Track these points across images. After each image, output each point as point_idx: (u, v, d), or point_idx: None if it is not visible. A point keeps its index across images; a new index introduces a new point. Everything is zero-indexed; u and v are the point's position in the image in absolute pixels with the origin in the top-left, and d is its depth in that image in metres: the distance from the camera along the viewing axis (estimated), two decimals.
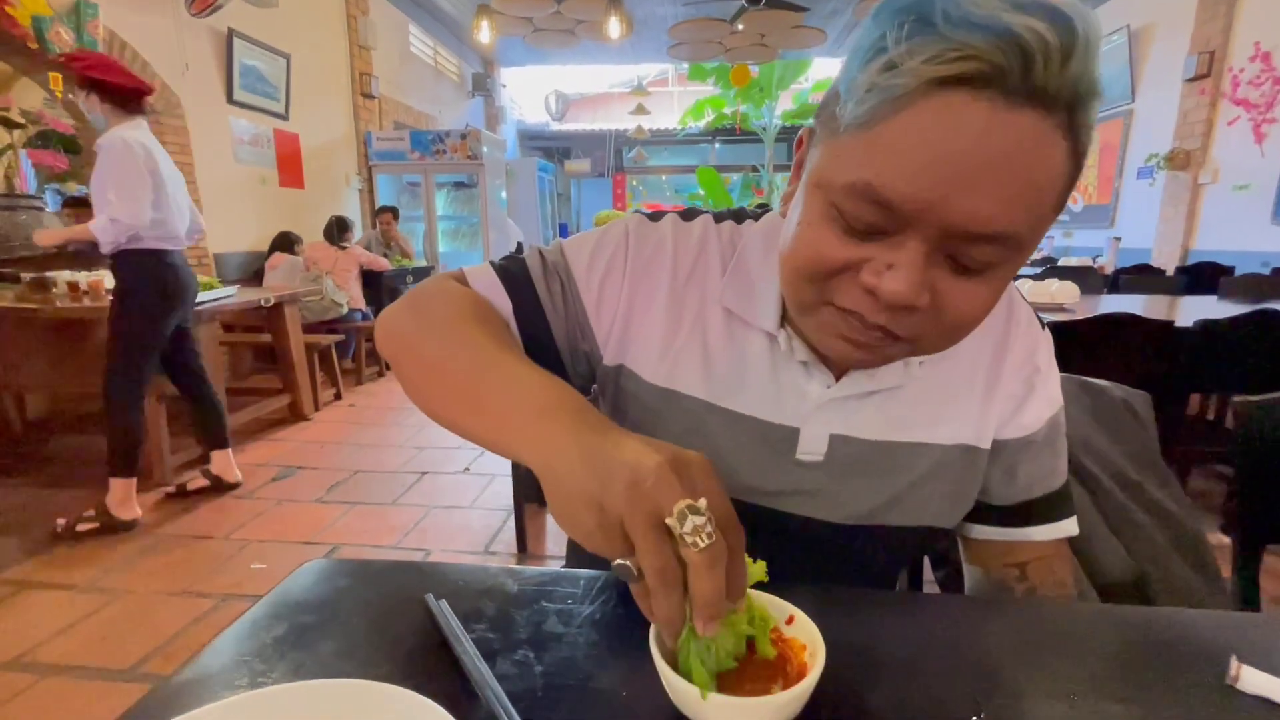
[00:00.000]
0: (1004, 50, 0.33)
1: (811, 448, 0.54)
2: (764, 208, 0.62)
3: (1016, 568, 0.57)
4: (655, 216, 0.59)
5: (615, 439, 0.36)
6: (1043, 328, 0.58)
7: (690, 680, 0.33)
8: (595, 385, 0.61)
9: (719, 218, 0.60)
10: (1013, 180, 0.36)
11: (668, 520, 0.32)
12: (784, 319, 0.53)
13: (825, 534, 0.55)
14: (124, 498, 2.17)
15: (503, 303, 0.55)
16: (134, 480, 2.21)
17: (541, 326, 0.55)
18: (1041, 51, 0.33)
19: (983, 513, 0.58)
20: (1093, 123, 0.37)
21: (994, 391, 0.55)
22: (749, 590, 0.40)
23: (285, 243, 4.20)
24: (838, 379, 0.53)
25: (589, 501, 0.33)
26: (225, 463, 2.50)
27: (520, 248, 6.96)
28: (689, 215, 0.60)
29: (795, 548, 0.55)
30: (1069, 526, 0.57)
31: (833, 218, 0.40)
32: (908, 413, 0.54)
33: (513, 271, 0.56)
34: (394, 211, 5.18)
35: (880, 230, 0.39)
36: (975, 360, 0.55)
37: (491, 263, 0.58)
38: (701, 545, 0.31)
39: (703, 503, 0.32)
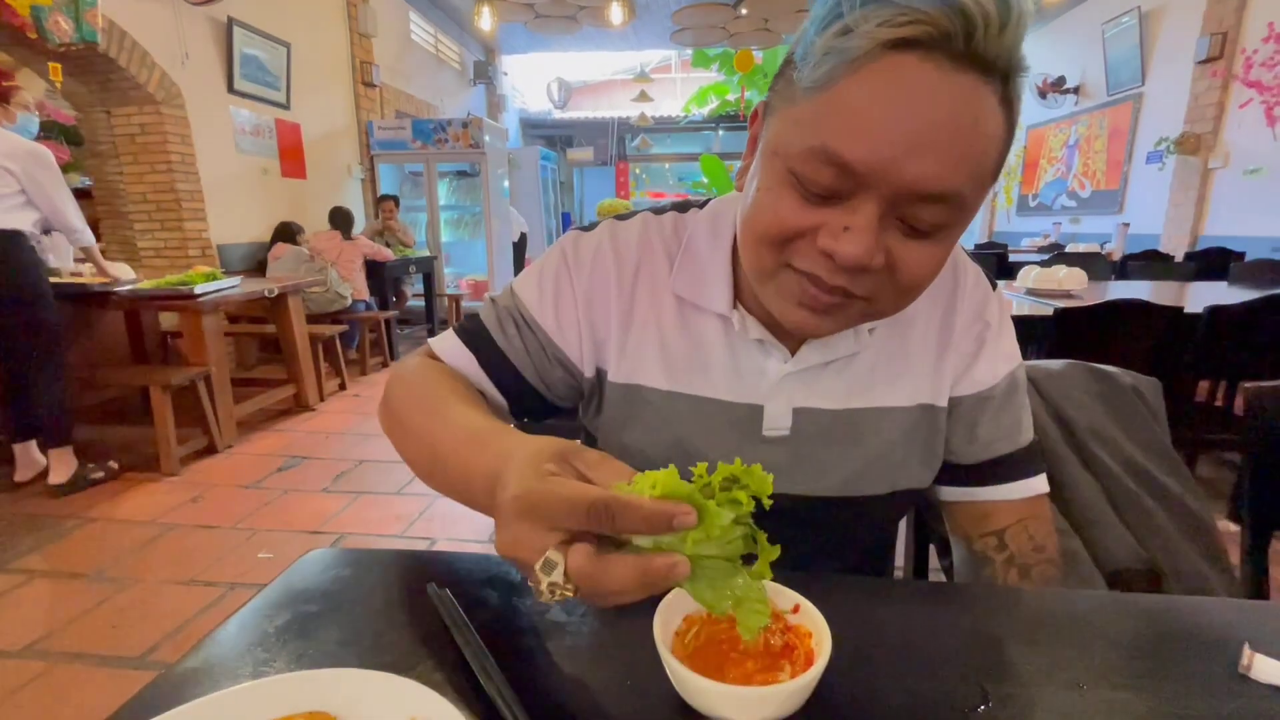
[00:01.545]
0: (949, 16, 0.36)
1: (776, 423, 0.55)
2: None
3: (994, 536, 0.58)
4: (589, 228, 0.61)
5: (497, 503, 0.36)
6: (993, 287, 0.60)
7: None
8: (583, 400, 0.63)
9: (659, 211, 0.61)
10: (958, 140, 0.38)
11: (543, 600, 0.32)
12: (736, 300, 0.55)
13: (803, 510, 0.56)
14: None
15: (468, 362, 0.59)
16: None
17: (510, 371, 0.59)
18: (982, 19, 0.36)
19: (951, 471, 0.59)
20: (1021, 95, 0.40)
21: (946, 350, 0.57)
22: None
23: (287, 233, 4.19)
24: (793, 353, 0.55)
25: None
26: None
27: (524, 239, 6.96)
28: (625, 216, 0.62)
29: (774, 527, 0.54)
30: (1038, 484, 0.58)
31: (791, 184, 0.42)
32: (866, 379, 0.56)
33: (471, 331, 0.60)
34: (395, 200, 5.16)
35: (836, 194, 0.41)
36: (927, 322, 0.57)
37: (454, 327, 0.61)
38: (568, 596, 0.32)
39: (538, 580, 0.32)
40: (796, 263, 0.44)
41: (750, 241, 0.46)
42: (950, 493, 0.60)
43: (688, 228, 0.59)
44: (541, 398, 0.60)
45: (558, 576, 0.31)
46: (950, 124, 0.38)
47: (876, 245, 0.41)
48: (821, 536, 0.58)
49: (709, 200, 0.61)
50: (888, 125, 0.38)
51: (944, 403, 0.57)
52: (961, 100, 0.37)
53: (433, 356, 0.60)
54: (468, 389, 0.56)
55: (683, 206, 0.62)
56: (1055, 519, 0.62)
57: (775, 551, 0.34)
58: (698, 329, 0.56)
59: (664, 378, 0.56)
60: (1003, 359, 0.58)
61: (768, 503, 0.33)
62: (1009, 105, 0.40)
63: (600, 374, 0.60)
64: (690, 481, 0.32)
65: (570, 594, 0.32)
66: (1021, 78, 0.40)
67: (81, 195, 4.33)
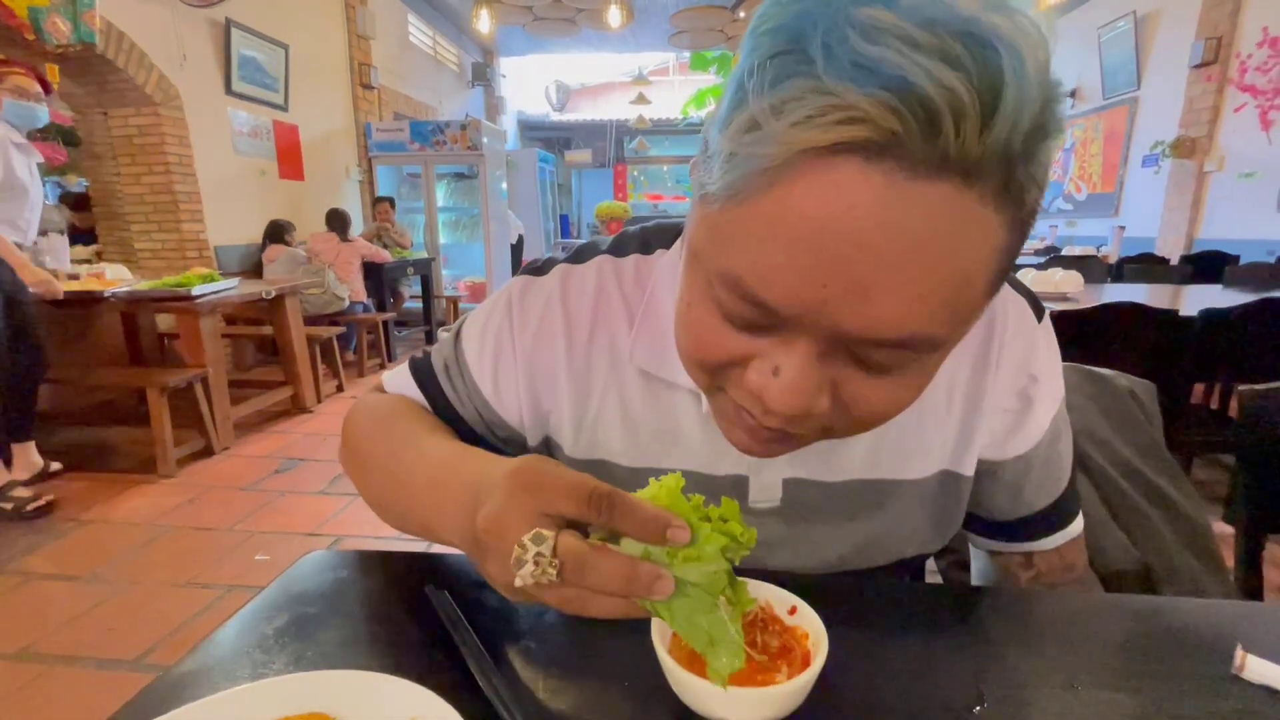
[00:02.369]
0: (899, 113, 0.25)
1: (765, 496, 0.49)
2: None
3: (1022, 555, 0.56)
4: (543, 268, 0.53)
5: (491, 481, 0.34)
6: (1039, 318, 0.50)
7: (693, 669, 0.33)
8: None
9: (622, 248, 0.52)
10: (925, 273, 0.28)
11: (517, 582, 0.31)
12: None
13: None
14: None
15: (419, 399, 0.55)
16: None
17: (460, 422, 0.54)
18: (953, 111, 0.24)
19: (985, 528, 0.56)
20: (1042, 173, 0.28)
21: (978, 412, 0.49)
22: (746, 581, 0.40)
23: (277, 233, 4.14)
24: None
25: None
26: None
27: (521, 241, 6.95)
28: (582, 255, 0.53)
29: None
30: (1075, 528, 0.55)
31: (712, 302, 0.33)
32: (871, 450, 0.48)
33: (423, 372, 0.55)
34: (390, 201, 5.16)
35: (764, 329, 0.32)
36: (951, 382, 0.49)
37: (409, 361, 0.57)
38: (551, 580, 0.30)
39: (524, 549, 0.30)
40: (729, 390, 0.37)
41: (681, 356, 0.39)
42: (984, 542, 0.57)
43: (651, 274, 0.50)
44: (495, 447, 0.55)
45: (546, 549, 0.30)
46: (911, 255, 0.27)
47: (816, 388, 0.32)
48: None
49: (679, 229, 0.52)
50: (817, 260, 0.28)
51: (969, 470, 0.50)
52: (923, 222, 0.27)
53: (384, 391, 0.57)
54: (432, 419, 0.52)
55: (650, 241, 0.52)
56: None
57: (751, 603, 0.34)
58: (667, 404, 0.49)
59: (631, 454, 0.50)
60: (1050, 404, 0.50)
61: (747, 552, 0.32)
62: (1016, 199, 0.28)
63: (550, 443, 0.54)
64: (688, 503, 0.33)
65: (553, 573, 0.30)
66: (1043, 145, 0.27)
67: (79, 197, 4.33)
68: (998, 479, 0.52)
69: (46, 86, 2.39)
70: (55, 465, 2.49)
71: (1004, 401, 0.49)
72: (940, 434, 0.49)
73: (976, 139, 0.25)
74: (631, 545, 0.32)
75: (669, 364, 0.47)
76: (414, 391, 0.55)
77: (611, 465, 0.51)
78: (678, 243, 0.50)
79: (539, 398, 0.52)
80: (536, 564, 0.30)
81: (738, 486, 0.49)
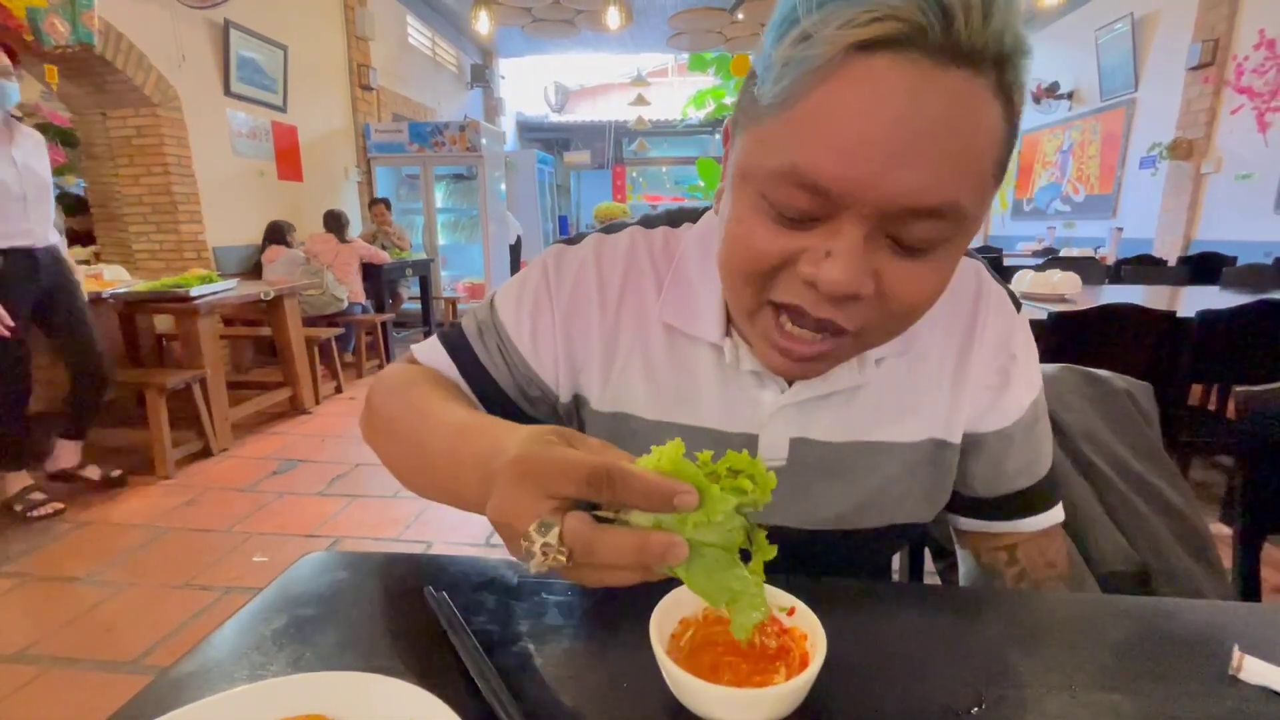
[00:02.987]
0: (921, 7, 0.31)
1: (772, 454, 0.52)
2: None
3: (1005, 550, 0.58)
4: (575, 239, 0.57)
5: (494, 471, 0.35)
6: (1017, 309, 0.55)
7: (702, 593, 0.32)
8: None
9: (651, 223, 0.57)
10: (948, 146, 0.34)
11: (530, 571, 0.32)
12: (729, 327, 0.51)
13: (797, 540, 0.52)
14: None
15: (449, 368, 0.57)
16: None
17: (489, 383, 0.56)
18: (961, 6, 0.31)
19: (968, 506, 0.58)
20: (1024, 82, 0.36)
21: (964, 383, 0.53)
22: (765, 528, 0.39)
23: (277, 233, 4.13)
24: (791, 383, 0.51)
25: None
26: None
27: (520, 242, 6.95)
28: (614, 229, 0.57)
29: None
30: (1056, 514, 0.57)
31: (763, 209, 0.38)
32: (870, 412, 0.52)
33: (452, 338, 0.58)
34: (386, 203, 5.15)
35: (814, 217, 0.37)
36: (942, 352, 0.53)
37: (438, 332, 0.60)
38: (563, 566, 0.31)
39: (531, 541, 0.31)
40: (778, 295, 0.40)
41: (726, 278, 0.43)
42: (966, 523, 0.59)
43: (679, 244, 0.55)
44: (521, 411, 0.58)
45: (552, 538, 0.30)
46: (936, 129, 0.33)
47: (863, 269, 0.36)
48: (813, 568, 0.57)
49: (704, 210, 0.57)
50: (862, 137, 0.33)
51: (957, 439, 0.54)
52: (946, 103, 0.33)
53: (414, 363, 0.59)
54: (454, 388, 0.54)
55: (676, 218, 0.57)
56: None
57: (772, 551, 0.33)
58: (688, 357, 0.53)
59: (652, 407, 0.53)
60: (1027, 388, 0.54)
61: (768, 499, 0.32)
62: (1008, 96, 0.35)
63: (578, 400, 0.57)
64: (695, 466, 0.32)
65: (563, 559, 0.30)
66: (1023, 61, 0.35)
67: (74, 200, 4.32)
68: (980, 452, 0.55)
69: (14, 57, 2.10)
70: (116, 472, 2.44)
71: (986, 377, 0.53)
72: (931, 400, 0.53)
73: (981, 28, 0.32)
74: (642, 516, 0.32)
75: (693, 320, 0.52)
76: (444, 358, 0.57)
77: (633, 418, 0.54)
78: (705, 215, 0.56)
79: (574, 353, 0.55)
80: (544, 554, 0.30)
81: (749, 444, 0.52)
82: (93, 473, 2.41)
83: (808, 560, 0.54)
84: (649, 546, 0.30)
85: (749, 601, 0.32)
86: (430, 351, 0.58)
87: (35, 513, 2.18)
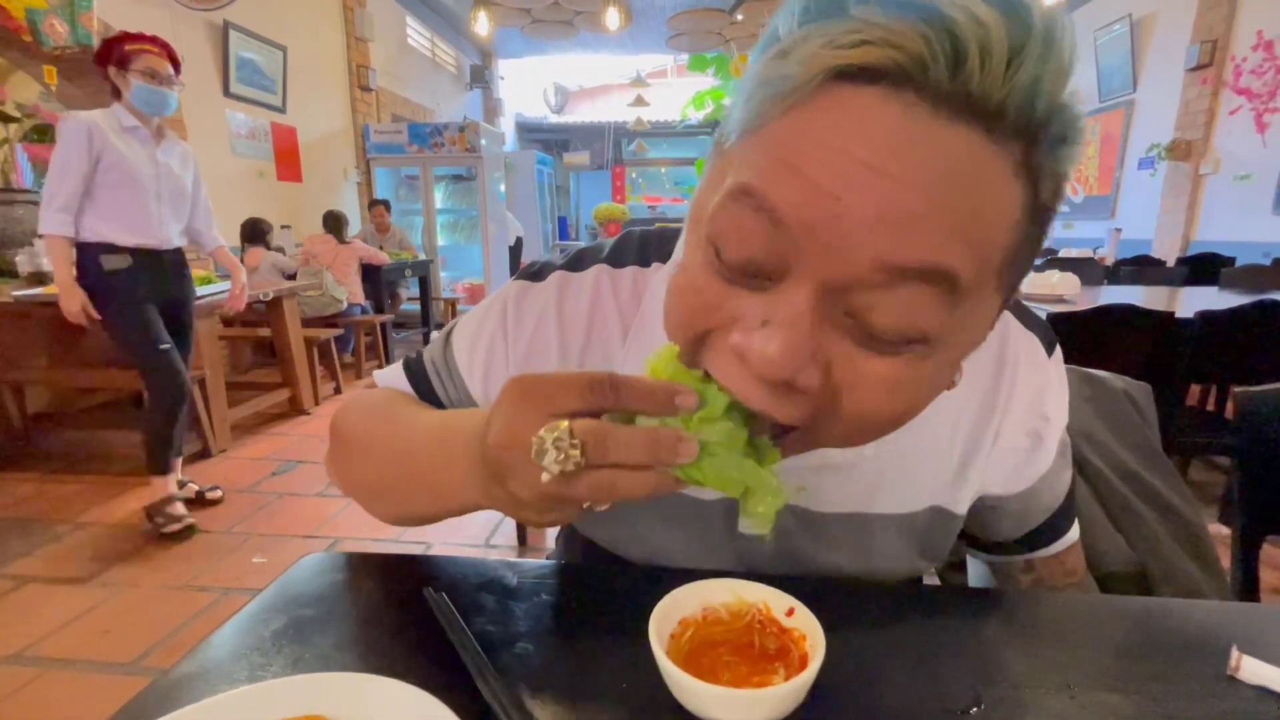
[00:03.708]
0: (926, 37, 0.25)
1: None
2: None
3: (1022, 559, 0.56)
4: (540, 273, 0.52)
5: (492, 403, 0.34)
6: (1050, 351, 0.49)
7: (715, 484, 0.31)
8: None
9: (621, 257, 0.51)
10: (941, 205, 0.26)
11: (544, 473, 0.30)
12: None
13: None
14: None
15: (411, 395, 0.54)
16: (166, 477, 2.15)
17: None
18: (979, 42, 0.24)
19: (984, 546, 0.56)
20: (1061, 173, 0.28)
21: (976, 452, 0.48)
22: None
23: (256, 233, 3.93)
24: None
25: (510, 509, 0.34)
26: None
27: (520, 243, 6.95)
28: (581, 262, 0.51)
29: None
30: (1073, 534, 0.55)
31: (710, 258, 0.31)
32: (866, 485, 0.48)
33: (416, 370, 0.55)
34: (385, 204, 5.14)
35: (763, 271, 0.29)
36: (955, 424, 0.47)
37: (403, 360, 0.57)
38: (578, 465, 0.29)
39: (542, 440, 0.29)
40: (709, 364, 0.33)
41: (667, 327, 0.35)
42: (982, 556, 0.57)
43: (648, 288, 0.49)
44: None
45: (563, 434, 0.29)
46: (927, 182, 0.26)
47: (806, 348, 0.29)
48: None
49: (678, 236, 0.51)
50: (830, 168, 0.27)
51: (962, 510, 0.50)
52: (946, 157, 0.26)
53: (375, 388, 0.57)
54: (424, 404, 0.52)
55: (649, 252, 0.51)
56: None
57: (777, 454, 0.33)
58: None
59: None
60: (1057, 437, 0.50)
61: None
62: (1033, 181, 0.28)
63: None
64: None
65: (576, 453, 0.29)
66: (1062, 148, 0.28)
67: None
68: (1003, 512, 0.52)
69: (177, 65, 2.12)
70: (216, 492, 2.33)
71: (1014, 441, 0.49)
72: (935, 470, 0.48)
73: (1001, 79, 0.25)
74: (644, 424, 0.32)
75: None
76: (406, 388, 0.55)
77: None
78: (675, 252, 0.49)
79: None
80: (557, 448, 0.29)
81: (729, 513, 0.48)
82: (188, 492, 2.28)
83: None
84: (660, 439, 0.30)
85: (765, 490, 0.31)
86: (393, 378, 0.56)
87: (168, 528, 2.05)
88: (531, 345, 0.50)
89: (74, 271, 2.03)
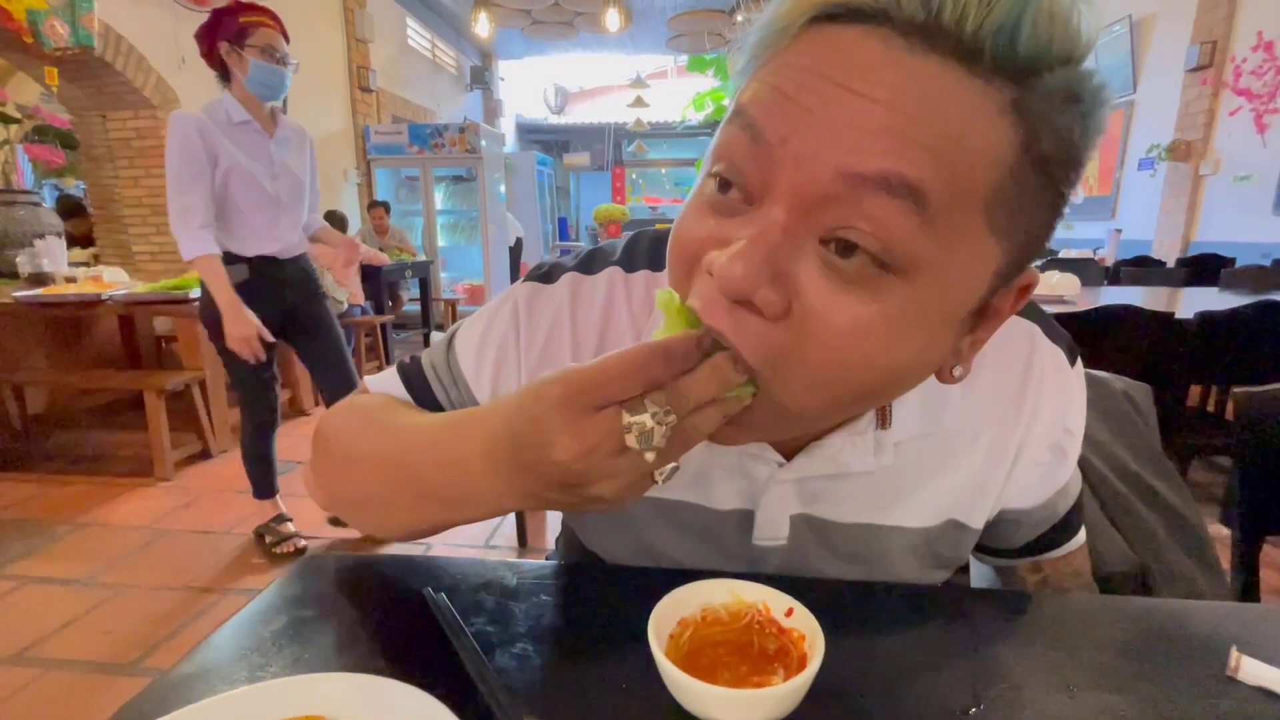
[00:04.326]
0: None
1: (770, 532, 0.47)
2: None
3: (1030, 562, 0.56)
4: (551, 275, 0.50)
5: (535, 418, 0.32)
6: (1073, 361, 0.48)
7: None
8: None
9: (633, 260, 0.50)
10: (914, 121, 0.27)
11: (649, 453, 0.30)
12: None
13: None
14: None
15: (406, 399, 0.52)
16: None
17: None
18: None
19: (992, 553, 0.56)
20: (1067, 126, 0.28)
21: (998, 469, 0.47)
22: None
23: None
24: (788, 457, 0.45)
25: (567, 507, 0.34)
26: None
27: (520, 244, 6.96)
28: (593, 264, 0.50)
29: None
30: (1082, 535, 0.55)
31: (707, 190, 0.33)
32: (884, 495, 0.47)
33: (413, 375, 0.52)
34: (385, 206, 5.14)
35: (745, 186, 0.31)
36: (975, 437, 0.47)
37: (397, 364, 0.54)
38: (672, 428, 0.30)
39: (634, 429, 0.30)
40: (692, 298, 0.33)
41: (668, 263, 0.36)
42: (990, 560, 0.57)
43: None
44: None
45: (656, 413, 0.29)
46: (898, 101, 0.27)
47: (768, 265, 0.29)
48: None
49: None
50: (807, 85, 0.29)
51: (978, 524, 0.49)
52: (921, 83, 0.27)
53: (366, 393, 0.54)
54: (417, 406, 0.50)
55: (657, 258, 0.50)
56: None
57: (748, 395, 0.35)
58: None
59: None
60: (1077, 448, 0.50)
61: None
62: (1030, 126, 0.28)
63: None
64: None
65: (674, 419, 0.30)
66: (1068, 107, 0.28)
67: (71, 204, 4.30)
68: (1020, 524, 0.52)
69: (287, 38, 1.86)
70: (301, 543, 2.02)
71: (1037, 456, 0.48)
72: (955, 483, 0.48)
73: (973, 12, 0.26)
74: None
75: None
76: (402, 394, 0.52)
77: None
78: None
79: None
80: (657, 422, 0.30)
81: (743, 523, 0.48)
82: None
83: None
84: (720, 367, 0.30)
85: None
86: (387, 383, 0.53)
87: (280, 548, 1.96)
88: (545, 350, 0.48)
89: (228, 292, 1.75)
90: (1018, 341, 0.47)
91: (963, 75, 0.27)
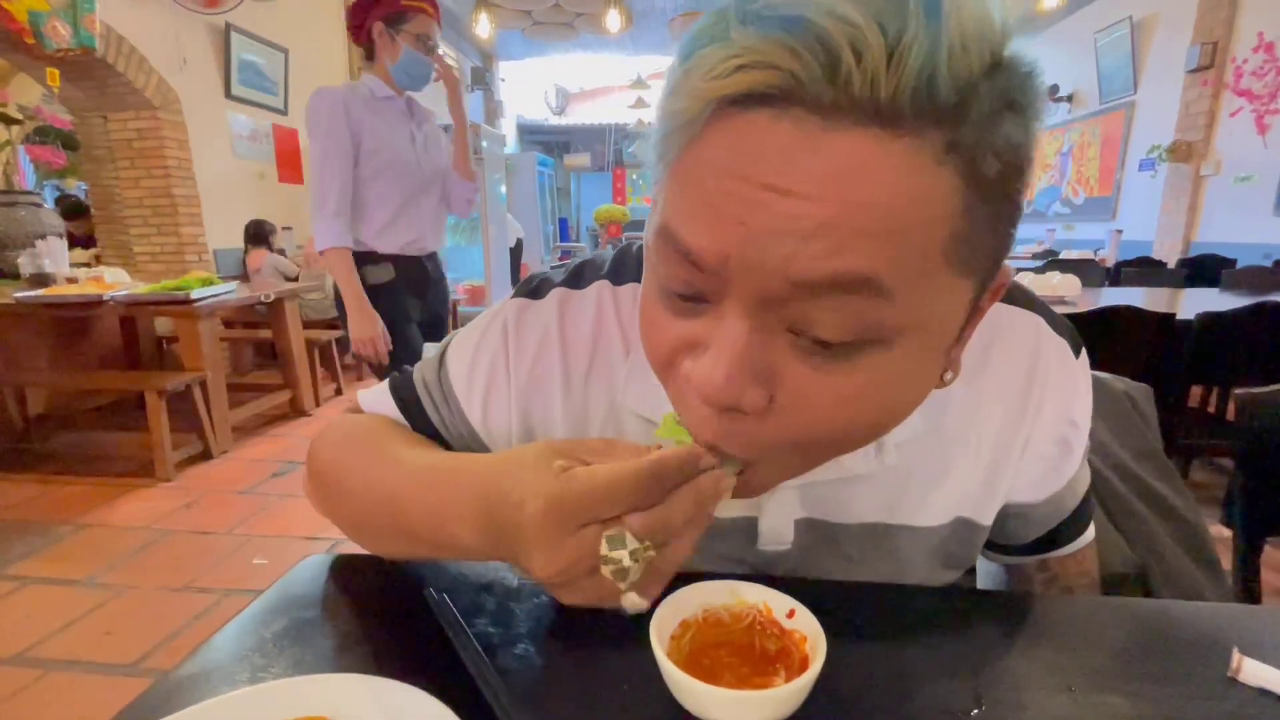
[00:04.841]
0: (795, 51, 0.24)
1: (775, 538, 0.47)
2: None
3: (1037, 560, 0.56)
4: (540, 290, 0.49)
5: (517, 524, 0.33)
6: (1078, 353, 0.47)
7: None
8: None
9: (621, 273, 0.49)
10: (850, 210, 0.25)
11: (625, 586, 0.32)
12: None
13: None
14: None
15: (399, 419, 0.52)
16: None
17: (443, 442, 0.51)
18: (851, 44, 0.23)
19: (1001, 549, 0.56)
20: (1011, 140, 0.26)
21: (1007, 460, 0.47)
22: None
23: (260, 235, 3.95)
24: None
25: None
26: None
27: (520, 245, 6.96)
28: (581, 278, 0.49)
29: None
30: (1091, 532, 0.55)
31: (657, 287, 0.32)
32: (889, 495, 0.47)
33: (404, 393, 0.52)
34: None
35: (700, 296, 0.30)
36: (981, 433, 0.46)
37: (388, 380, 0.53)
38: (649, 559, 0.32)
39: (611, 561, 0.31)
40: (674, 401, 0.35)
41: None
42: (998, 558, 0.57)
43: None
44: None
45: (633, 543, 0.30)
46: (828, 192, 0.25)
47: (746, 368, 0.29)
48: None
49: None
50: (730, 196, 0.27)
51: (988, 521, 0.49)
52: (845, 162, 0.25)
53: (358, 412, 0.54)
54: (407, 432, 0.49)
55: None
56: None
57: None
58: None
59: None
60: (1085, 441, 0.49)
61: None
62: (966, 158, 0.26)
63: None
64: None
65: (652, 554, 0.31)
66: (1004, 119, 0.26)
67: (72, 204, 4.30)
68: (1027, 519, 0.51)
69: (440, 27, 1.74)
70: None
71: (1043, 449, 0.48)
72: (962, 480, 0.47)
73: (884, 77, 0.24)
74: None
75: (662, 401, 0.42)
76: (393, 411, 0.52)
77: None
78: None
79: (532, 431, 0.49)
80: (635, 560, 0.31)
81: (747, 530, 0.47)
82: None
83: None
84: (704, 489, 0.31)
85: None
86: (379, 401, 0.53)
87: None
88: (534, 372, 0.48)
89: (354, 287, 1.65)
90: (1022, 335, 0.46)
91: (887, 141, 0.25)
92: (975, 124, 0.25)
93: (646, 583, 0.33)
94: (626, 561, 0.30)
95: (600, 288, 0.49)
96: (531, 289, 0.50)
